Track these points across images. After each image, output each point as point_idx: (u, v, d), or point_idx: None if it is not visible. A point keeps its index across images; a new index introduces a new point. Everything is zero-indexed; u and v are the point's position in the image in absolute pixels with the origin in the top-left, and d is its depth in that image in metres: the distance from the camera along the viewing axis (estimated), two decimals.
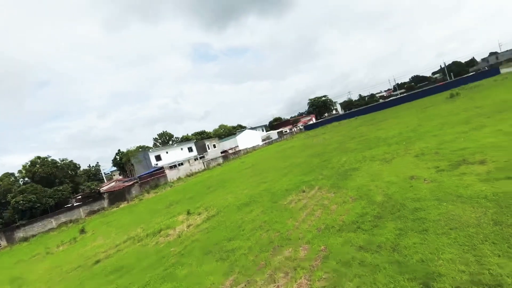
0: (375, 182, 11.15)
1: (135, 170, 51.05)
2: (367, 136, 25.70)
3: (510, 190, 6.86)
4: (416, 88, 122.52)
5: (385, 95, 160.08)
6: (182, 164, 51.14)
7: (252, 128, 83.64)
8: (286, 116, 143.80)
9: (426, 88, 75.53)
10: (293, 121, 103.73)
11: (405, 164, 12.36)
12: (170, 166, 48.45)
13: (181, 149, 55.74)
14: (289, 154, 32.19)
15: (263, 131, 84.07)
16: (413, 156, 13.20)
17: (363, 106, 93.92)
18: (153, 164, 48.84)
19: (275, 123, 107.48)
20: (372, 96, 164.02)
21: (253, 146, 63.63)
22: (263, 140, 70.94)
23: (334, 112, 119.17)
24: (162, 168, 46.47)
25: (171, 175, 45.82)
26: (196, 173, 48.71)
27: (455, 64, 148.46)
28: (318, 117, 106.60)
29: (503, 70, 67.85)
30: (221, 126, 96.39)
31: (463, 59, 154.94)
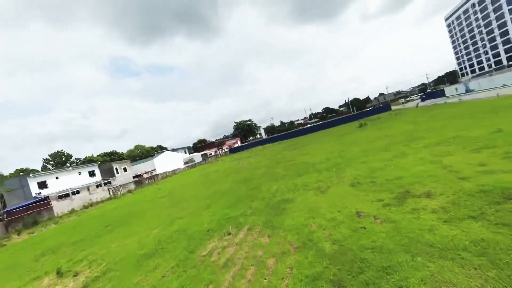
0: (317, 220, 9.06)
1: (4, 203, 38.20)
2: (294, 161, 24.86)
3: (487, 236, 5.46)
4: (328, 118, 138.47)
5: (302, 122, 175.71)
6: (78, 192, 41.19)
7: (173, 150, 76.94)
8: (211, 138, 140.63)
9: (337, 118, 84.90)
10: (218, 144, 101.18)
11: (343, 195, 10.84)
12: (59, 196, 38.12)
13: (79, 173, 45.32)
14: (213, 179, 28.88)
15: (185, 153, 78.28)
16: (348, 185, 11.93)
17: (285, 131, 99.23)
18: (33, 194, 37.57)
19: (200, 145, 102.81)
20: (291, 122, 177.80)
21: (174, 170, 57.55)
22: (185, 163, 65.48)
23: (258, 136, 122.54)
24: (46, 198, 36.02)
25: (60, 207, 35.77)
26: (97, 203, 39.74)
27: (356, 100, 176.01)
28: (243, 140, 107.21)
29: (393, 107, 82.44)
30: (137, 147, 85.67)
31: (361, 97, 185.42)
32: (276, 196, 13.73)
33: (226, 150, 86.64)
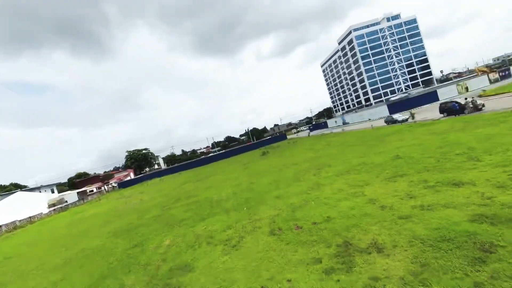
0: None
1: None
2: (196, 196, 20.67)
3: None
4: (230, 147, 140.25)
5: (205, 151, 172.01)
6: None
7: (36, 188, 58.32)
8: (100, 170, 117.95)
9: (239, 146, 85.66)
10: (104, 177, 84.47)
11: (263, 252, 7.67)
12: None
13: None
14: (83, 230, 20.97)
15: (53, 192, 60.59)
16: (268, 234, 8.92)
17: (186, 160, 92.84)
18: None
19: (79, 180, 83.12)
20: (194, 151, 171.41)
21: (31, 217, 42.24)
22: (50, 205, 49.86)
23: (156, 166, 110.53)
24: None
25: None
26: None
27: (255, 129, 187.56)
28: (137, 172, 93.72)
29: (288, 136, 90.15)
30: None
31: (259, 127, 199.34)
32: (167, 260, 9.27)
33: (115, 184, 72.73)
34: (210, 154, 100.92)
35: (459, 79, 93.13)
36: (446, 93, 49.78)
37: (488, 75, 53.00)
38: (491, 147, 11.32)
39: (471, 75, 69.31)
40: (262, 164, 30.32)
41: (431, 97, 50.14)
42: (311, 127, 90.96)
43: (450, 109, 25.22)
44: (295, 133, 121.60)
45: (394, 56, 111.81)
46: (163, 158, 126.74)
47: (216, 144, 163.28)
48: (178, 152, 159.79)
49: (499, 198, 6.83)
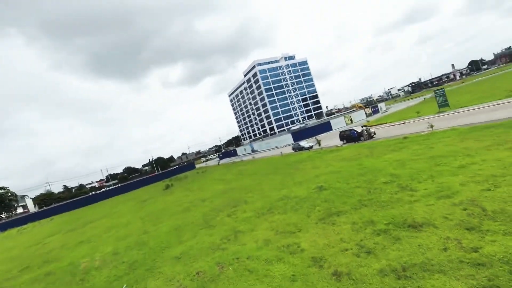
0: None
1: None
2: (56, 261, 13.75)
3: None
4: (130, 179, 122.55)
5: (97, 185, 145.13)
6: None
7: None
8: None
9: (140, 178, 74.54)
10: None
11: None
12: None
13: None
14: None
15: None
16: None
17: (68, 199, 73.85)
18: None
19: None
20: (81, 187, 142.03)
21: None
22: None
23: (20, 210, 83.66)
24: None
25: None
26: None
27: (160, 159, 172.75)
28: None
29: (197, 165, 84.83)
30: None
31: (165, 156, 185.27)
32: None
33: None
34: (103, 189, 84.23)
35: (343, 112, 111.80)
36: (337, 124, 56.85)
37: (364, 110, 64.36)
38: (412, 173, 10.70)
39: (352, 110, 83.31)
40: (164, 201, 24.88)
41: (326, 127, 56.20)
42: (220, 155, 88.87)
43: (349, 136, 27.13)
44: (204, 161, 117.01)
45: (292, 91, 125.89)
46: (32, 199, 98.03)
47: (111, 177, 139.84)
48: (58, 188, 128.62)
49: (486, 248, 5.00)
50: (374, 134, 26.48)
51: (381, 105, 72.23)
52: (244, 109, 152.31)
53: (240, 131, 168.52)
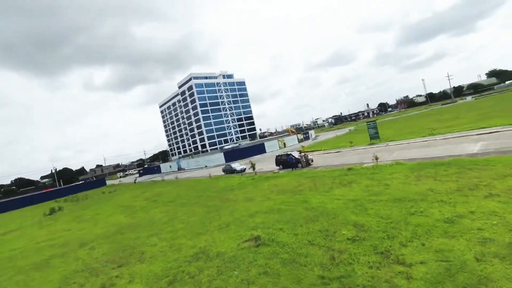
0: None
1: None
2: None
3: None
4: (17, 194, 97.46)
5: None
6: None
7: None
8: None
9: (25, 195, 58.23)
10: None
11: None
12: None
13: None
14: None
15: None
16: None
17: None
18: None
19: None
20: None
21: None
22: None
23: None
24: None
25: None
26: None
27: (66, 170, 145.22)
28: None
29: (109, 181, 71.81)
30: None
31: (75, 167, 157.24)
32: None
33: None
34: None
35: (276, 136, 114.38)
36: (271, 146, 55.53)
37: (297, 135, 65.58)
38: (385, 226, 7.66)
39: (285, 134, 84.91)
40: (29, 237, 17.04)
41: (260, 148, 54.18)
42: (141, 171, 77.89)
43: (286, 162, 24.52)
44: (120, 177, 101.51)
45: (228, 109, 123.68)
46: None
47: None
48: None
49: None
50: (312, 161, 24.53)
51: (311, 132, 75.40)
52: (175, 122, 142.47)
53: (169, 145, 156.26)
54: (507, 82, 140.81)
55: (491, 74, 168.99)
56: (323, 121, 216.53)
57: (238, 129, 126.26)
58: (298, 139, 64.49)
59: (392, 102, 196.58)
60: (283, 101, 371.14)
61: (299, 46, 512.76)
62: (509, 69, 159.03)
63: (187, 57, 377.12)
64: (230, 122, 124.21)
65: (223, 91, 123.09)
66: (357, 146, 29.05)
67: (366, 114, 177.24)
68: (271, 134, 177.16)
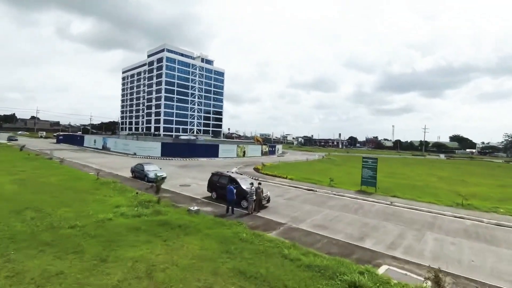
0: None
1: None
2: None
3: None
4: None
5: None
6: None
7: None
8: None
9: None
10: None
11: None
12: None
13: None
14: None
15: None
16: None
17: None
18: None
19: None
20: None
21: None
22: None
23: None
24: None
25: None
26: None
27: None
28: None
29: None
30: None
31: (15, 112, 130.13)
32: None
33: None
34: None
35: (241, 140, 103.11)
36: (226, 151, 44.00)
37: (262, 146, 54.87)
38: None
39: (249, 141, 74.10)
40: None
41: (211, 150, 42.36)
42: (60, 138, 61.08)
43: (224, 191, 13.12)
44: (41, 136, 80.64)
45: (197, 97, 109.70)
46: None
47: None
48: None
49: None
50: (268, 201, 13.62)
51: (279, 147, 65.42)
52: (135, 94, 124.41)
53: (122, 117, 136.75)
54: (467, 150, 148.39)
55: (454, 138, 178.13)
56: (293, 138, 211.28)
57: (202, 121, 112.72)
58: (262, 151, 53.79)
59: (360, 138, 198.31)
60: (260, 108, 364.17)
61: (288, 60, 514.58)
62: (468, 138, 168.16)
63: (176, 37, 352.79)
64: (196, 111, 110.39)
65: (197, 76, 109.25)
66: (341, 189, 18.81)
67: (335, 143, 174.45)
68: (239, 137, 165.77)
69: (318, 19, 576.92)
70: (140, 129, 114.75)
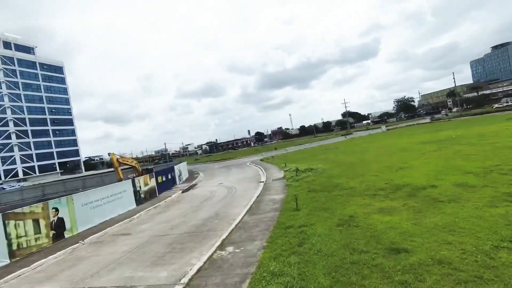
0: None
1: None
2: None
3: None
4: None
5: None
6: None
7: None
8: None
9: None
10: None
11: None
12: None
13: None
14: None
15: None
16: None
17: None
18: None
19: None
20: None
21: None
22: None
23: None
24: None
25: None
26: None
27: None
28: None
29: None
30: None
31: None
32: None
33: None
34: None
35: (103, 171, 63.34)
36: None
37: (139, 182, 22.21)
38: None
39: (113, 171, 38.03)
40: None
41: None
42: None
43: None
44: None
45: (9, 111, 62.15)
46: None
47: None
48: None
49: None
50: None
51: (181, 167, 33.26)
52: None
53: None
54: (364, 122, 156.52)
55: (345, 115, 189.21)
56: (195, 147, 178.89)
57: (32, 150, 65.79)
58: (138, 194, 20.73)
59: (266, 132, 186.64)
60: (152, 125, 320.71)
61: (172, 70, 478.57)
62: (358, 112, 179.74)
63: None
64: (10, 134, 62.68)
65: (1, 72, 61.52)
66: None
67: (246, 142, 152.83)
68: (123, 161, 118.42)
69: (198, 28, 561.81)
70: None
